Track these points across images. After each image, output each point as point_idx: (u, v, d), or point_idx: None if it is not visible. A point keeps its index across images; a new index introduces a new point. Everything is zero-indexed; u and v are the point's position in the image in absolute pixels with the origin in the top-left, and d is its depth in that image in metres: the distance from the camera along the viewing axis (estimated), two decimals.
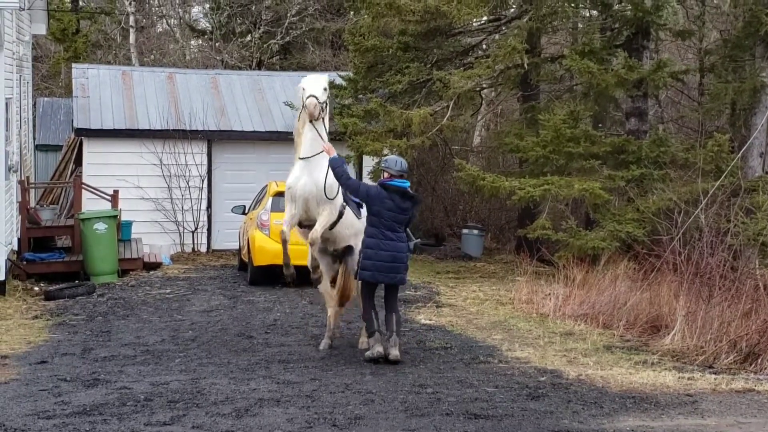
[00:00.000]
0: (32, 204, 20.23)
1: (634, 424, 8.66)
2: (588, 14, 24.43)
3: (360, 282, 11.40)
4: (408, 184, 11.33)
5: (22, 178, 19.20)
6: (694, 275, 13.77)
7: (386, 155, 20.02)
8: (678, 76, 21.42)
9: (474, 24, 22.00)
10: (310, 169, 11.34)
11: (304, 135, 11.45)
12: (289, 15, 31.93)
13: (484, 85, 22.26)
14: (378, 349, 11.06)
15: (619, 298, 14.36)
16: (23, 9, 17.80)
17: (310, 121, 11.26)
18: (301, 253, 15.51)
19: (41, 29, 22.26)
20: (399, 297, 15.55)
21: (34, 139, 24.71)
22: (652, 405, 9.37)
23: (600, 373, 10.78)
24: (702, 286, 13.40)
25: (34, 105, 25.59)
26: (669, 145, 19.55)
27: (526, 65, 20.07)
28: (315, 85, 11.35)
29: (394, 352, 11.04)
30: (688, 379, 10.54)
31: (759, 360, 11.21)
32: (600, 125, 22.38)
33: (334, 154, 11.32)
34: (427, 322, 14.07)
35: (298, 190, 11.33)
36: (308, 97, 11.15)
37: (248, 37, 32.98)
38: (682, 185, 18.48)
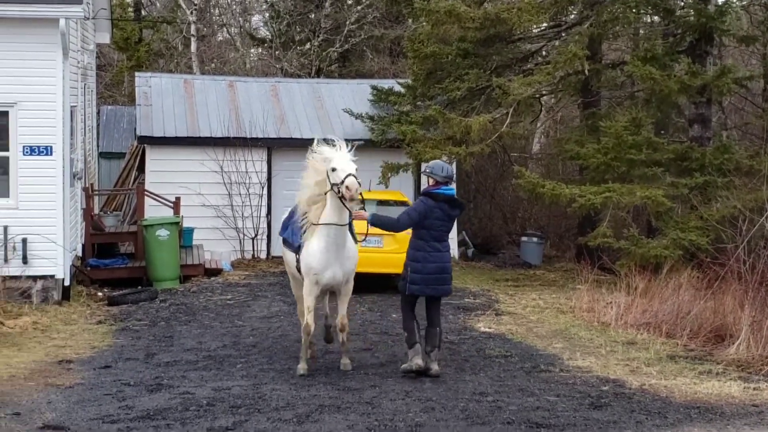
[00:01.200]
0: (96, 210, 20.52)
1: None
2: (650, 20, 24.23)
3: (401, 294, 11.07)
4: (454, 190, 11.08)
5: (87, 185, 19.50)
6: (759, 284, 13.65)
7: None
8: (742, 82, 21.14)
9: (534, 30, 21.87)
10: (336, 255, 10.65)
11: (329, 203, 10.59)
12: (348, 23, 32.03)
13: (544, 92, 22.14)
14: (418, 361, 10.70)
15: (683, 307, 14.19)
16: (88, 18, 18.07)
17: (340, 198, 10.35)
18: (369, 260, 15.62)
19: (105, 38, 22.59)
20: (459, 305, 15.60)
21: (98, 146, 25.05)
22: (717, 415, 9.27)
23: (663, 383, 10.67)
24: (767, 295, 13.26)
25: (98, 113, 25.95)
26: (733, 152, 19.30)
27: (586, 71, 19.93)
28: (348, 162, 10.41)
29: (435, 368, 10.75)
30: (754, 389, 10.41)
31: None
32: (662, 132, 22.15)
33: (366, 215, 10.81)
34: (487, 330, 14.01)
35: (326, 279, 10.73)
36: (348, 177, 10.16)
37: (307, 45, 33.12)
38: (746, 193, 18.20)
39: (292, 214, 11.50)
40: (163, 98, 22.64)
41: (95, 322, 14.64)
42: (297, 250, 11.02)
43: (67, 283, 15.90)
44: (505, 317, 15.12)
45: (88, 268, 17.88)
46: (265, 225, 21.80)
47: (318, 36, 32.35)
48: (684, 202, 18.79)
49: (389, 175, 20.45)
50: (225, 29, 37.94)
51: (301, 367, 10.92)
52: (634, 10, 21.25)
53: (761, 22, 24.07)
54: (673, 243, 17.56)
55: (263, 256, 21.74)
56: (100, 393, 9.94)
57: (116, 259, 18.63)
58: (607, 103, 23.46)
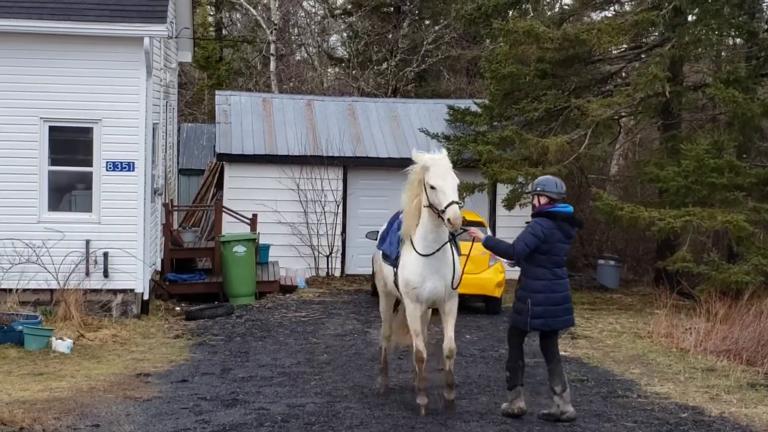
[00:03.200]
0: (175, 226, 20.81)
1: None
2: (732, 42, 23.89)
3: (510, 328, 9.98)
4: (571, 207, 9.93)
5: (167, 201, 19.79)
6: None
7: (521, 183, 19.97)
8: None
9: (614, 51, 21.71)
10: (435, 266, 9.75)
11: (423, 225, 9.72)
12: (425, 43, 32.13)
13: (623, 114, 21.91)
14: (521, 405, 9.81)
15: (764, 334, 13.96)
16: (171, 38, 18.40)
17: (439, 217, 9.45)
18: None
19: (187, 57, 22.96)
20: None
21: (178, 163, 25.44)
22: None
23: (744, 411, 10.46)
24: None
25: (179, 130, 26.36)
26: None
27: (667, 93, 19.70)
28: (449, 182, 9.43)
29: (571, 410, 9.68)
30: None
31: None
32: (744, 156, 21.74)
33: (481, 236, 9.78)
34: (563, 353, 13.76)
35: (426, 293, 9.80)
36: (450, 207, 9.21)
37: (384, 65, 33.30)
38: None
39: (391, 223, 10.64)
40: (242, 116, 22.92)
41: (173, 336, 14.82)
42: (395, 262, 10.13)
43: (146, 297, 16.16)
44: (581, 341, 14.95)
45: (167, 283, 18.13)
46: (340, 243, 21.91)
47: (395, 56, 32.51)
48: (766, 227, 18.43)
49: (465, 195, 20.38)
50: (303, 49, 38.31)
51: (421, 403, 9.89)
52: (716, 32, 20.98)
53: None
54: (755, 269, 17.23)
55: (337, 274, 21.84)
56: (177, 407, 10.04)
57: (194, 275, 18.87)
58: (688, 126, 23.11)
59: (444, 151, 9.90)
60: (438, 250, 9.70)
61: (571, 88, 20.89)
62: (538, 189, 9.79)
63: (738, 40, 23.00)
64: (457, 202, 9.28)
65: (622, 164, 28.17)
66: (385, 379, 11.04)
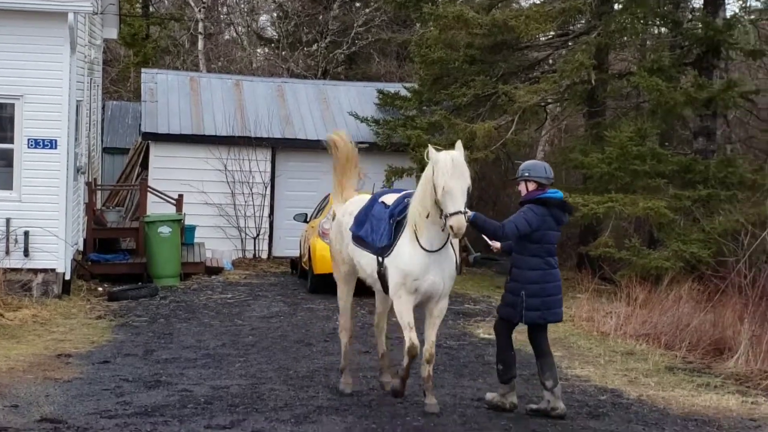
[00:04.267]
0: (98, 206, 20.55)
1: None
2: (657, 31, 24.27)
3: (499, 319, 9.55)
4: (561, 193, 9.49)
5: (90, 180, 19.52)
6: (759, 298, 13.71)
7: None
8: (748, 96, 21.18)
9: (541, 39, 21.94)
10: (438, 261, 9.04)
11: (431, 219, 8.89)
12: (355, 25, 32.08)
13: (550, 100, 22.17)
14: (513, 400, 9.36)
15: (682, 319, 14.13)
16: (96, 13, 18.10)
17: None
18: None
19: (112, 33, 22.62)
20: (459, 311, 15.59)
21: (102, 141, 25.09)
22: (714, 428, 9.24)
23: (661, 394, 10.64)
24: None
25: (103, 108, 26.00)
26: (737, 166, 19.34)
27: (593, 81, 19.97)
28: (459, 188, 8.60)
29: (562, 406, 9.24)
30: (752, 403, 10.36)
31: None
32: (667, 144, 22.19)
33: (470, 213, 8.86)
34: (487, 336, 13.98)
35: (425, 285, 9.00)
36: (455, 217, 8.50)
37: (314, 47, 33.17)
38: (749, 207, 18.29)
39: (371, 206, 9.65)
40: (169, 95, 22.68)
41: (95, 317, 14.65)
42: (380, 251, 9.28)
43: (67, 277, 15.92)
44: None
45: (89, 263, 17.91)
46: (268, 225, 21.85)
47: (325, 37, 32.41)
48: (686, 214, 18.82)
49: (393, 179, 20.48)
50: (232, 28, 37.99)
51: (386, 380, 9.59)
52: (641, 21, 21.33)
53: None
54: (675, 255, 17.60)
55: (264, 256, 21.79)
56: (99, 388, 9.92)
57: (117, 255, 18.67)
58: (613, 113, 23.48)
59: (460, 147, 8.99)
60: (443, 246, 9.01)
61: (499, 74, 21.07)
62: (526, 174, 9.29)
63: (663, 29, 23.35)
64: (463, 213, 8.53)
65: (548, 150, 28.46)
66: (349, 377, 10.08)
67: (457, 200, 8.53)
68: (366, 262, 9.55)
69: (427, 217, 8.86)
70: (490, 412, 9.36)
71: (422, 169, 21.32)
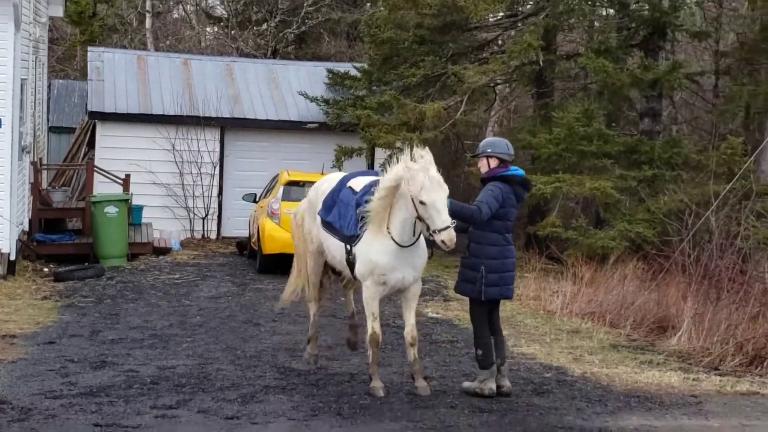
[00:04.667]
0: (44, 185, 20.34)
1: (637, 423, 8.68)
2: (605, 13, 24.45)
3: (471, 302, 9.44)
4: (523, 171, 9.47)
5: (35, 160, 19.31)
6: (702, 277, 13.78)
7: (399, 147, 20.11)
8: (693, 77, 21.48)
9: (490, 19, 22.02)
10: (408, 257, 8.96)
11: (402, 221, 8.82)
12: (305, 4, 31.95)
13: (499, 81, 22.27)
14: (492, 386, 9.18)
15: (627, 297, 14.32)
16: None
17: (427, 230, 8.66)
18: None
19: (58, 11, 22.34)
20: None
21: (48, 120, 24.79)
22: (656, 405, 9.38)
23: (605, 371, 10.78)
24: (710, 288, 13.42)
25: (49, 87, 25.66)
26: (682, 147, 19.59)
27: (541, 62, 20.08)
28: (444, 205, 8.52)
29: (508, 384, 9.33)
30: (693, 380, 10.53)
31: (765, 363, 11.21)
32: (613, 124, 22.41)
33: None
34: (435, 315, 14.10)
35: (393, 281, 8.98)
36: (445, 232, 8.42)
37: (264, 26, 33.01)
38: (693, 187, 18.46)
39: (339, 189, 9.53)
40: (116, 74, 22.46)
41: (40, 297, 14.51)
42: (349, 240, 9.19)
43: (12, 257, 15.74)
44: (452, 303, 15.18)
45: (35, 243, 17.74)
46: (216, 205, 21.76)
47: (275, 17, 32.26)
48: (632, 194, 19.03)
49: (343, 158, 20.47)
50: (181, 6, 37.65)
51: (377, 386, 9.14)
52: (589, 3, 21.50)
53: (714, 18, 24.42)
54: (620, 234, 17.79)
55: (213, 236, 21.72)
56: (44, 368, 9.85)
57: (63, 235, 18.51)
58: (560, 94, 23.67)
59: (428, 154, 8.76)
60: (416, 242, 8.95)
61: (448, 55, 21.12)
62: (489, 151, 9.24)
63: (610, 11, 23.53)
64: (451, 226, 8.45)
65: (497, 131, 28.60)
66: (314, 348, 10.23)
67: (443, 214, 8.45)
68: (334, 247, 9.47)
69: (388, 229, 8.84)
70: (437, 390, 9.44)
71: (372, 149, 21.39)
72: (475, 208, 9.00)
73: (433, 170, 8.64)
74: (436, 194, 8.50)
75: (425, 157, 8.72)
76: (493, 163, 9.21)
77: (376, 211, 8.88)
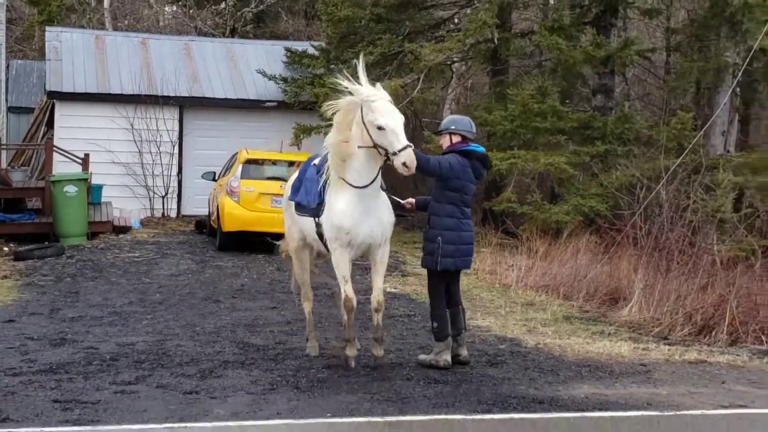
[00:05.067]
0: (3, 165, 20.14)
1: (588, 391, 8.77)
2: None
3: (429, 275, 9.49)
4: (483, 148, 9.60)
5: None
6: (653, 249, 13.95)
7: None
8: (645, 54, 21.63)
9: None
10: (370, 206, 8.81)
11: (358, 160, 8.70)
12: None
13: (455, 59, 22.34)
14: (447, 358, 9.26)
15: (580, 270, 14.53)
16: None
17: (386, 158, 8.53)
18: (265, 220, 15.69)
19: None
20: (365, 266, 15.68)
21: (7, 101, 24.51)
22: (606, 374, 9.50)
23: (558, 342, 10.92)
24: (660, 260, 13.59)
25: (7, 67, 25.35)
26: (634, 122, 19.78)
27: (496, 40, 20.16)
28: (399, 122, 8.41)
29: (465, 353, 9.44)
30: (643, 349, 10.69)
31: (713, 332, 11.44)
32: (567, 101, 22.54)
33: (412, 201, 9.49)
34: (392, 290, 14.16)
35: (361, 237, 8.79)
36: (405, 151, 8.30)
37: (222, 5, 32.79)
38: (645, 162, 18.69)
39: (303, 171, 9.41)
40: (74, 54, 22.28)
41: (0, 276, 14.40)
42: (316, 212, 9.08)
43: None
44: (410, 278, 15.28)
45: None
46: (176, 184, 21.69)
47: None
48: (585, 169, 19.19)
49: (302, 136, 20.45)
50: None
51: (351, 354, 9.14)
52: None
53: None
54: (574, 209, 17.96)
55: (173, 214, 21.67)
56: (3, 346, 9.79)
57: (23, 215, 18.38)
58: (515, 72, 23.77)
59: (379, 85, 8.80)
60: (374, 181, 8.72)
61: (405, 33, 21.14)
62: (452, 128, 9.34)
63: None
64: (410, 146, 8.34)
65: (454, 109, 28.70)
66: (315, 341, 9.93)
67: (401, 137, 8.34)
68: (309, 226, 9.30)
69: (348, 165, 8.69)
70: (394, 363, 9.51)
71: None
72: (436, 160, 9.06)
73: (386, 95, 8.66)
74: (393, 120, 8.41)
75: (378, 87, 8.74)
76: (456, 139, 9.32)
77: (333, 151, 8.78)
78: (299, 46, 23.84)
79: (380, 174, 8.86)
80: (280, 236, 16.25)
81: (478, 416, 7.75)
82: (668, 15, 24.38)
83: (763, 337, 11.21)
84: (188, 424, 7.34)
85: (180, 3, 34.76)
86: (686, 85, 22.15)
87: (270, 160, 17.86)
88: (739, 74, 18.91)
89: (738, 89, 19.83)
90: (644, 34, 26.81)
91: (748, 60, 18.16)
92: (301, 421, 7.51)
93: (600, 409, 8.16)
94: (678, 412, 8.15)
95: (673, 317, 11.88)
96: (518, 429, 7.52)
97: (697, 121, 19.86)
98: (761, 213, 18.21)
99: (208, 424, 7.33)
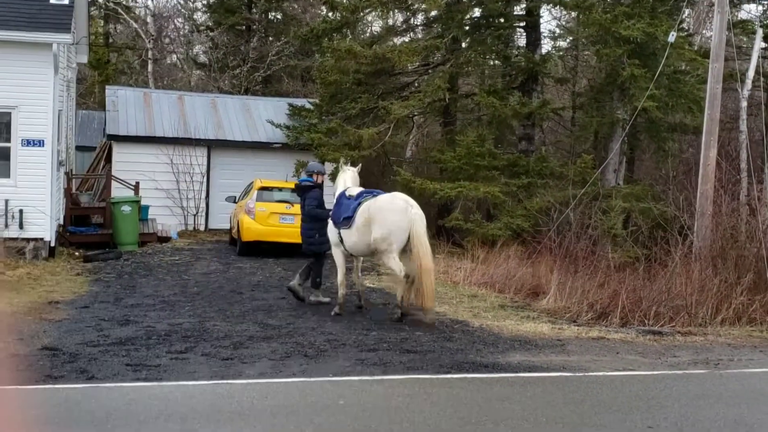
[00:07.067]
0: (74, 190, 20.14)
1: (520, 358, 9.03)
2: (493, 63, 24.91)
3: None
4: (306, 179, 12.03)
5: (68, 170, 19.12)
6: (564, 256, 14.15)
7: (345, 163, 20.22)
8: (557, 111, 21.95)
9: (410, 67, 22.25)
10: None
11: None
12: (270, 54, 31.94)
13: (416, 113, 22.50)
14: (322, 298, 12.08)
15: (510, 271, 14.63)
16: (73, 44, 17.72)
17: None
18: (274, 232, 15.78)
19: (83, 59, 22.09)
20: (349, 268, 15.90)
21: (75, 141, 24.48)
22: (532, 346, 9.74)
23: (496, 323, 11.11)
24: (570, 264, 13.77)
25: (76, 115, 25.34)
26: (549, 162, 19.99)
27: (447, 99, 20.40)
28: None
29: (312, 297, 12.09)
30: (559, 329, 10.91)
31: (609, 317, 11.64)
32: (500, 145, 22.74)
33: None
34: (371, 285, 14.32)
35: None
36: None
37: (238, 70, 32.85)
38: (557, 191, 18.79)
39: (340, 199, 11.51)
40: (127, 106, 22.32)
41: (75, 274, 14.45)
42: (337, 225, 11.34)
43: (52, 244, 15.64)
44: (384, 277, 15.35)
45: (68, 234, 17.59)
46: (204, 205, 21.72)
47: (247, 63, 32.16)
48: (513, 196, 19.23)
49: (301, 170, 20.57)
50: (174, 55, 37.29)
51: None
52: (482, 56, 21.87)
53: (572, 67, 25.04)
54: (505, 226, 18.10)
55: (202, 228, 21.67)
56: (83, 325, 9.92)
57: (89, 228, 18.37)
58: (461, 123, 23.99)
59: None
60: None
61: (379, 93, 21.28)
62: (323, 171, 12.17)
63: (497, 62, 23.95)
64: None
65: (415, 150, 28.94)
66: (343, 309, 11.28)
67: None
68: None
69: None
70: (376, 338, 9.67)
71: (322, 163, 21.50)
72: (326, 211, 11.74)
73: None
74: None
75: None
76: (321, 178, 11.93)
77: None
78: (299, 102, 24.00)
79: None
80: (286, 245, 16.53)
81: (441, 375, 8.02)
82: (574, 82, 24.81)
83: (646, 321, 11.43)
84: (229, 381, 7.58)
85: (206, 68, 34.80)
86: (587, 135, 22.50)
87: (278, 187, 18.01)
88: (627, 127, 19.24)
89: (626, 138, 20.05)
90: (556, 96, 27.20)
91: (633, 117, 18.44)
92: (311, 379, 7.75)
93: (528, 371, 8.43)
94: (585, 373, 8.44)
95: (580, 306, 12.03)
96: (470, 385, 7.80)
97: (595, 161, 20.05)
98: (643, 229, 18.52)
99: (243, 381, 7.56)
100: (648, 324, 11.34)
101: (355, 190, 11.45)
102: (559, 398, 7.37)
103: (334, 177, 19.98)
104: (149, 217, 20.00)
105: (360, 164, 12.48)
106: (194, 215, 21.55)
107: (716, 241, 13.23)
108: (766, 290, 12.13)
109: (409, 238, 10.59)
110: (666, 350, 9.95)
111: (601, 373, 8.48)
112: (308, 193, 11.90)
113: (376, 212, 10.76)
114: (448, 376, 8.03)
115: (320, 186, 12.08)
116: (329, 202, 12.04)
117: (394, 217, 10.67)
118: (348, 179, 11.63)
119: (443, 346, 9.45)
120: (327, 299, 11.98)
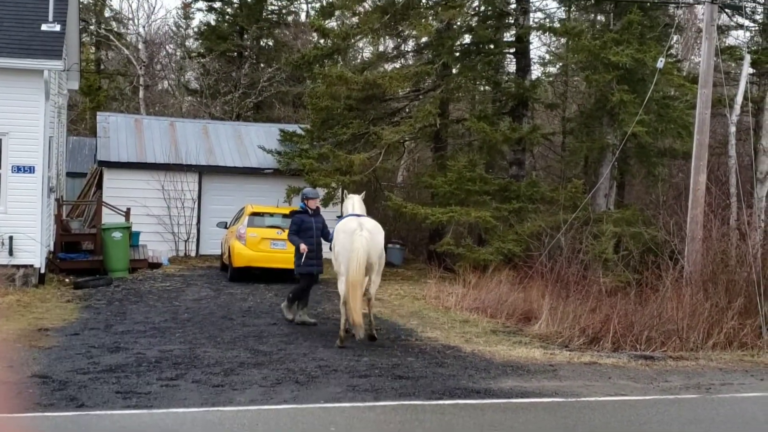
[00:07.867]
0: (65, 216, 20.10)
1: (512, 384, 9.03)
2: (483, 89, 25.06)
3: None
4: (302, 205, 12.17)
5: (58, 197, 19.09)
6: (556, 281, 14.14)
7: (334, 187, 20.29)
8: (547, 136, 22.02)
9: (401, 93, 22.33)
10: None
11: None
12: (261, 80, 32.10)
13: (407, 138, 22.54)
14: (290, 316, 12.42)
15: (502, 296, 14.61)
16: (64, 70, 17.78)
17: None
18: (265, 258, 15.75)
19: (74, 85, 22.14)
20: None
21: (66, 167, 24.47)
22: (524, 372, 9.73)
23: (488, 348, 11.09)
24: (561, 289, 13.77)
25: (67, 142, 25.33)
26: (540, 187, 20.02)
27: (438, 125, 20.46)
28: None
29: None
30: (551, 354, 10.90)
31: (600, 342, 11.63)
32: (490, 170, 22.81)
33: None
34: (363, 311, 14.23)
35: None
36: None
37: (229, 96, 32.99)
38: (548, 216, 18.85)
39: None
40: (119, 132, 22.35)
41: (65, 300, 14.39)
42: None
43: (42, 271, 15.60)
44: (376, 302, 15.18)
45: (59, 260, 17.51)
46: (195, 231, 21.69)
47: (238, 89, 32.31)
48: (504, 221, 19.21)
49: (292, 195, 20.62)
50: (166, 81, 37.42)
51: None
52: (472, 82, 22.00)
53: (562, 93, 25.23)
54: (497, 250, 18.09)
55: (193, 254, 21.61)
56: (73, 352, 9.87)
57: (80, 254, 18.29)
58: (452, 148, 24.06)
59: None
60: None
61: (370, 119, 21.29)
62: (314, 196, 12.13)
63: (487, 88, 24.08)
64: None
65: (406, 175, 28.99)
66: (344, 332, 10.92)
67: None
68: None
69: None
70: (368, 364, 9.65)
71: (314, 188, 21.54)
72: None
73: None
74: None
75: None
76: (314, 203, 11.98)
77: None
78: (290, 127, 24.05)
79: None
80: (277, 271, 16.50)
81: (433, 402, 8.01)
82: (564, 108, 24.97)
83: (638, 345, 11.43)
84: (220, 408, 7.54)
85: (197, 95, 34.92)
86: (578, 160, 22.60)
87: (269, 213, 18.01)
88: (617, 152, 19.36)
89: (616, 163, 20.14)
90: (546, 121, 27.33)
91: (623, 142, 18.54)
92: (302, 406, 7.72)
93: (520, 397, 8.42)
94: (577, 399, 8.44)
95: (572, 331, 12.03)
96: (462, 411, 7.78)
97: (586, 186, 20.12)
98: (634, 254, 18.59)
99: (234, 408, 7.53)
100: (640, 349, 11.33)
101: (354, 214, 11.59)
102: (551, 424, 7.36)
103: (326, 202, 20.25)
104: (140, 243, 19.93)
105: (364, 191, 12.76)
106: (185, 241, 21.50)
107: (707, 266, 13.28)
108: (757, 314, 12.17)
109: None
110: (658, 375, 9.95)
111: (593, 399, 8.48)
112: (292, 218, 12.17)
113: (334, 235, 11.29)
114: (440, 402, 8.01)
115: (316, 211, 12.06)
116: (332, 227, 11.99)
117: (341, 238, 10.94)
118: (356, 204, 11.72)
119: (435, 372, 9.43)
120: (291, 317, 12.22)
